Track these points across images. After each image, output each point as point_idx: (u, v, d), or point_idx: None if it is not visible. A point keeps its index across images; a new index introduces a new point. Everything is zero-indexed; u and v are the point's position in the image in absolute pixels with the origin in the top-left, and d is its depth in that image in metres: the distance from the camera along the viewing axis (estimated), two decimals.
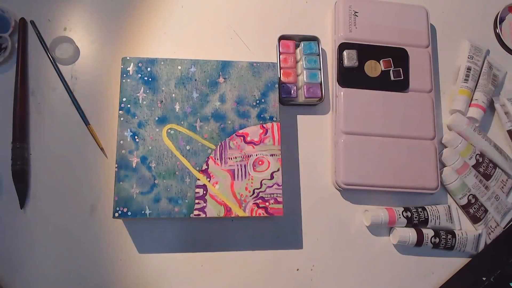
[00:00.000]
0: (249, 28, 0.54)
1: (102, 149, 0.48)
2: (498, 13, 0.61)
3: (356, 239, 0.51)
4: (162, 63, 0.46)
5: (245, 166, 0.45)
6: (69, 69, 0.50)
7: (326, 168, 0.52)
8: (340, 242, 0.50)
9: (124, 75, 0.45)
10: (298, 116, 0.53)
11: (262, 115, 0.47)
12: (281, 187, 0.45)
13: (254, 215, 0.44)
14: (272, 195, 0.45)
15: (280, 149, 0.46)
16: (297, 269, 0.49)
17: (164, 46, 0.52)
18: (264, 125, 0.46)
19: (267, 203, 0.44)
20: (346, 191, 0.51)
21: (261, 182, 0.45)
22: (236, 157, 0.45)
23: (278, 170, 0.45)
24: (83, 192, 0.47)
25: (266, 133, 0.46)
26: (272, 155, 0.46)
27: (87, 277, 0.45)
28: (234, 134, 0.46)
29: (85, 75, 0.50)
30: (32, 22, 0.50)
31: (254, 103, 0.47)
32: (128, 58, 0.46)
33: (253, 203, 0.44)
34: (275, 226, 0.49)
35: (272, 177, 0.45)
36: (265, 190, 0.45)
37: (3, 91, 0.48)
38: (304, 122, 0.53)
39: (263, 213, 0.44)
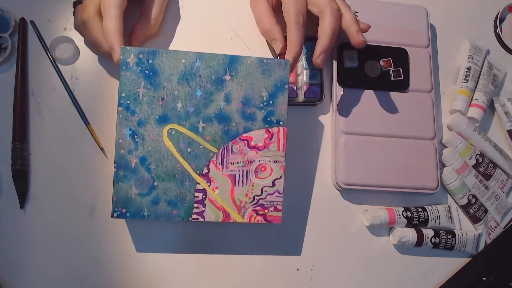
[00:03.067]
0: (249, 28, 0.54)
1: (102, 149, 0.48)
2: (498, 13, 0.61)
3: (356, 239, 0.51)
4: (165, 55, 0.43)
5: (246, 172, 0.44)
6: (69, 69, 0.50)
7: (326, 168, 0.52)
8: (340, 242, 0.50)
9: (124, 67, 0.42)
10: (298, 116, 0.53)
11: (268, 119, 0.44)
12: (281, 195, 0.44)
13: (252, 221, 0.43)
14: (272, 203, 0.44)
15: (285, 156, 0.44)
16: (297, 269, 0.49)
17: (164, 47, 0.52)
18: (270, 130, 0.44)
19: (266, 210, 0.44)
20: (346, 191, 0.51)
21: (262, 189, 0.44)
22: (238, 162, 0.44)
23: (280, 177, 0.44)
24: (83, 192, 0.47)
25: (271, 138, 0.44)
26: (275, 161, 0.44)
27: (87, 277, 0.45)
28: (237, 138, 0.44)
29: (85, 75, 0.50)
30: (32, 22, 0.50)
31: (261, 105, 0.44)
32: (128, 48, 0.43)
33: (252, 210, 0.44)
34: (275, 227, 0.49)
35: (273, 185, 0.44)
36: (265, 198, 0.44)
37: (3, 91, 0.48)
38: (304, 122, 0.53)
39: (261, 220, 0.44)
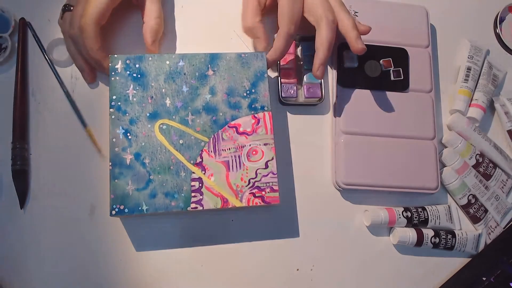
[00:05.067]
0: None
1: (99, 151, 0.48)
2: (498, 13, 0.61)
3: (356, 239, 0.51)
4: (150, 58, 0.46)
5: (239, 156, 0.45)
6: (69, 69, 0.50)
7: (326, 168, 0.52)
8: (340, 242, 0.50)
9: (113, 73, 0.45)
10: (298, 116, 0.53)
11: (253, 105, 0.46)
12: (276, 176, 0.45)
13: (251, 204, 0.44)
14: (267, 184, 0.45)
15: (273, 138, 0.46)
16: (297, 269, 0.49)
17: (164, 47, 0.52)
18: (256, 115, 0.46)
19: (263, 192, 0.45)
20: (346, 191, 0.51)
21: (256, 171, 0.45)
22: (229, 149, 0.45)
23: (272, 159, 0.45)
24: (83, 192, 0.47)
25: (258, 123, 0.46)
26: (265, 144, 0.46)
27: (87, 277, 0.45)
28: (226, 126, 0.46)
29: None
30: (29, 24, 0.50)
31: (245, 94, 0.47)
32: (115, 56, 0.45)
33: (250, 193, 0.44)
34: (275, 227, 0.49)
35: (266, 166, 0.45)
36: (260, 180, 0.45)
37: (3, 91, 0.48)
38: (304, 122, 0.53)
39: (260, 202, 0.44)
